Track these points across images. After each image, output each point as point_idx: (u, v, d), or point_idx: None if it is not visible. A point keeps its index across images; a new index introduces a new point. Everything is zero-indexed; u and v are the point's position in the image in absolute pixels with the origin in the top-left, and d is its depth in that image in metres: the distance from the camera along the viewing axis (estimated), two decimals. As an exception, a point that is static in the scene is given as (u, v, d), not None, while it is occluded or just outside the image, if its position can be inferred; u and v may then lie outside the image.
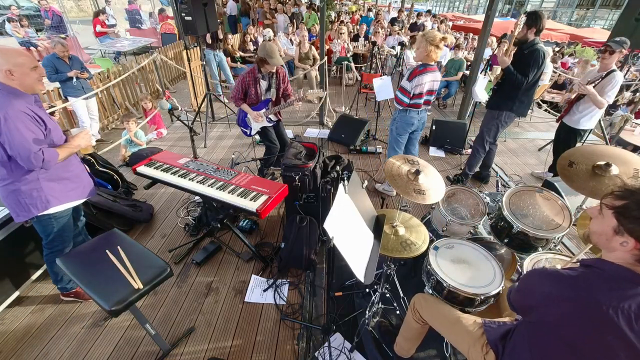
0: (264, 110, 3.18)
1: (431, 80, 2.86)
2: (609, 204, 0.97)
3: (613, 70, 3.04)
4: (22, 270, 2.29)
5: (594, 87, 3.07)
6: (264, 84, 3.09)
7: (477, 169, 3.70)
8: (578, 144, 3.44)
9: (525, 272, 1.18)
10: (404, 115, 3.02)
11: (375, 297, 2.13)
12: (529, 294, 1.10)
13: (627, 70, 6.81)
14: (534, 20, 2.82)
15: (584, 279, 0.98)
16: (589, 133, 3.55)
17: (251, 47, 7.33)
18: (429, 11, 12.24)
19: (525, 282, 1.13)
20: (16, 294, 2.26)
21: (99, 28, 8.66)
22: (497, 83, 3.15)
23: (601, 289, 0.93)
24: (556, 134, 3.62)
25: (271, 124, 3.34)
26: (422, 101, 2.91)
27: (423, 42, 2.71)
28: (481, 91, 3.94)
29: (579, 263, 1.09)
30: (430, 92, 2.93)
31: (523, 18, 2.82)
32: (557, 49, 9.80)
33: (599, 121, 3.96)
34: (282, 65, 3.05)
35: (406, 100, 2.88)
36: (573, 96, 3.33)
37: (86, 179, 2.07)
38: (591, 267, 1.01)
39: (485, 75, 4.42)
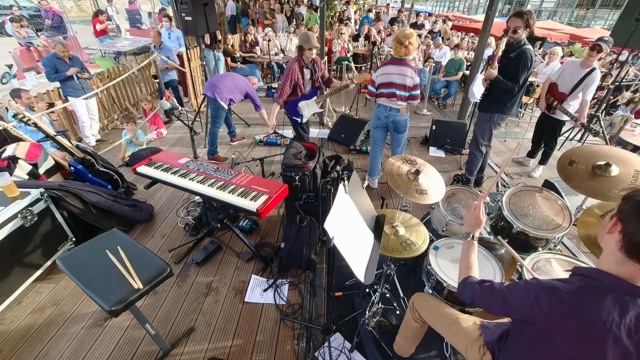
0: (314, 97, 3.38)
1: (397, 73, 2.87)
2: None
3: (594, 69, 3.31)
4: (22, 270, 2.29)
5: (578, 85, 3.39)
6: (307, 72, 3.23)
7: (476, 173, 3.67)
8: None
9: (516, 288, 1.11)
10: (375, 109, 3.22)
11: (375, 297, 2.14)
12: (525, 308, 1.04)
13: (627, 71, 6.80)
14: (527, 19, 2.71)
15: (581, 293, 0.95)
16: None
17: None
18: (400, 11, 10.70)
19: (520, 296, 1.07)
20: (16, 294, 2.25)
21: (98, 26, 8.66)
22: (487, 87, 3.10)
23: (600, 303, 0.91)
24: (540, 124, 4.04)
25: (322, 110, 3.52)
26: (386, 91, 2.98)
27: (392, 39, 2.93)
28: (479, 91, 3.93)
29: (572, 272, 1.06)
30: (399, 87, 2.89)
31: (504, 40, 2.77)
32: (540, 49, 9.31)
33: (599, 121, 4.00)
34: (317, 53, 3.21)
35: (373, 89, 3.09)
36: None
37: None
38: (585, 277, 0.99)
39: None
